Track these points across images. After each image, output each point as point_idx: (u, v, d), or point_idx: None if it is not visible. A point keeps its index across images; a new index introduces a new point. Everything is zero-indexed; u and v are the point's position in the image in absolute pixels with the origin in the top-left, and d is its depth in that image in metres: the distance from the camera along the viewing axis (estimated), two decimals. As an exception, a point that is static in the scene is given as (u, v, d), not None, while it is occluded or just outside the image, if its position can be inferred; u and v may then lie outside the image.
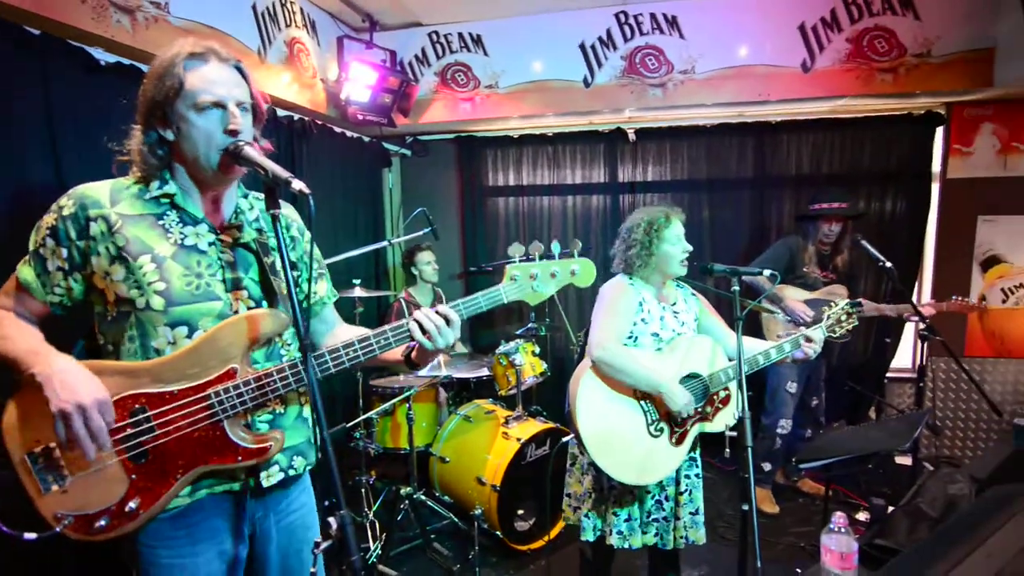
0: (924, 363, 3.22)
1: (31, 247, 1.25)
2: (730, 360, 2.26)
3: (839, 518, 1.45)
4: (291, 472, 1.38)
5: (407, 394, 3.07)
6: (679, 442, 2.19)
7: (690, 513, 2.32)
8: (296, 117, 3.60)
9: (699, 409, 2.20)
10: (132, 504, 1.22)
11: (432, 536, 3.09)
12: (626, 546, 2.21)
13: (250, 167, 1.24)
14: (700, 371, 2.20)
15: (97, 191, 1.25)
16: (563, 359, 4.40)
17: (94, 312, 1.29)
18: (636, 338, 2.21)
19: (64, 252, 1.23)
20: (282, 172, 1.21)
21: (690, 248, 2.25)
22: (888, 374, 4.11)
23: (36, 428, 1.20)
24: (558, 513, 3.16)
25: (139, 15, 2.43)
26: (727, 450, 2.13)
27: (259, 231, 1.39)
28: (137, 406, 1.22)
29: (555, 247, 1.48)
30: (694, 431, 2.21)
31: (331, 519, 1.17)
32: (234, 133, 1.25)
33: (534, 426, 3.16)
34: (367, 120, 3.94)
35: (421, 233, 3.27)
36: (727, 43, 3.71)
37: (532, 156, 4.59)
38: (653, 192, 4.39)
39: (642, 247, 2.20)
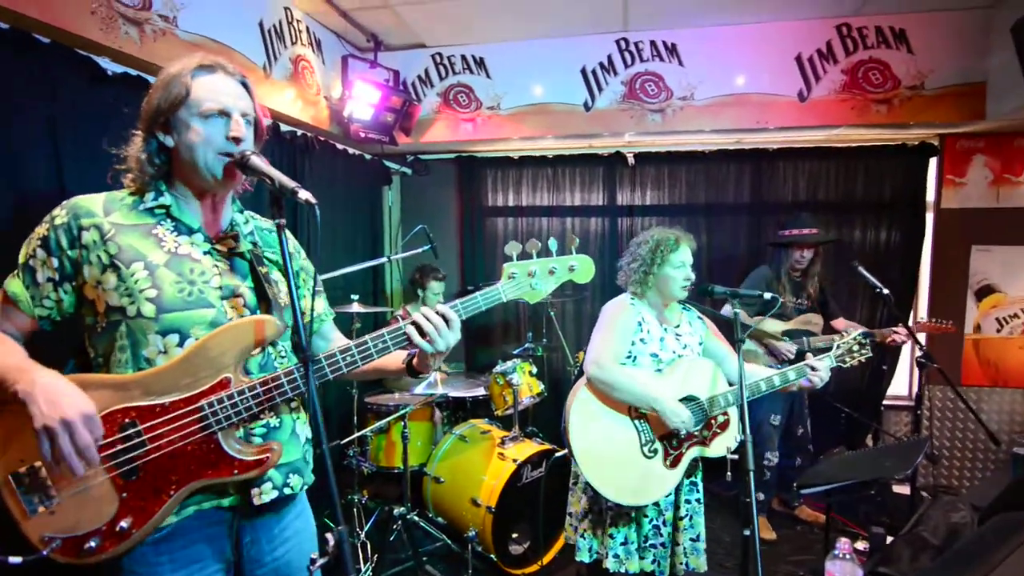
0: (921, 391, 3.23)
1: (21, 260, 1.23)
2: (731, 385, 2.25)
3: (843, 544, 1.43)
4: (286, 491, 1.33)
5: (402, 412, 3.04)
6: (674, 464, 2.17)
7: (691, 539, 2.28)
8: (299, 133, 3.62)
9: (696, 432, 2.19)
10: (124, 523, 1.17)
11: (424, 558, 3.02)
12: (622, 571, 2.17)
13: (257, 176, 1.24)
14: (699, 394, 2.19)
15: (90, 202, 1.24)
16: (560, 380, 4.37)
17: (84, 325, 1.26)
18: (635, 358, 2.20)
19: (55, 262, 1.21)
20: (289, 182, 1.21)
21: (692, 277, 2.25)
22: (884, 402, 4.10)
23: (21, 447, 1.15)
24: (553, 537, 3.13)
25: (147, 27, 2.45)
26: (728, 473, 2.10)
27: (254, 244, 1.38)
28: (127, 420, 1.17)
29: (552, 244, 1.47)
30: (690, 454, 2.19)
31: (329, 535, 1.14)
32: (237, 140, 1.25)
33: (530, 447, 3.12)
34: (369, 138, 3.96)
35: (420, 251, 3.27)
36: (725, 71, 3.77)
37: (532, 177, 4.63)
38: (651, 216, 4.42)
39: (643, 264, 2.21)
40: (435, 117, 4.24)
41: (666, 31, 3.82)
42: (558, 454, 3.06)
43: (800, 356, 3.22)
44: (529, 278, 1.45)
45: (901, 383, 4.21)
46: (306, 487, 1.42)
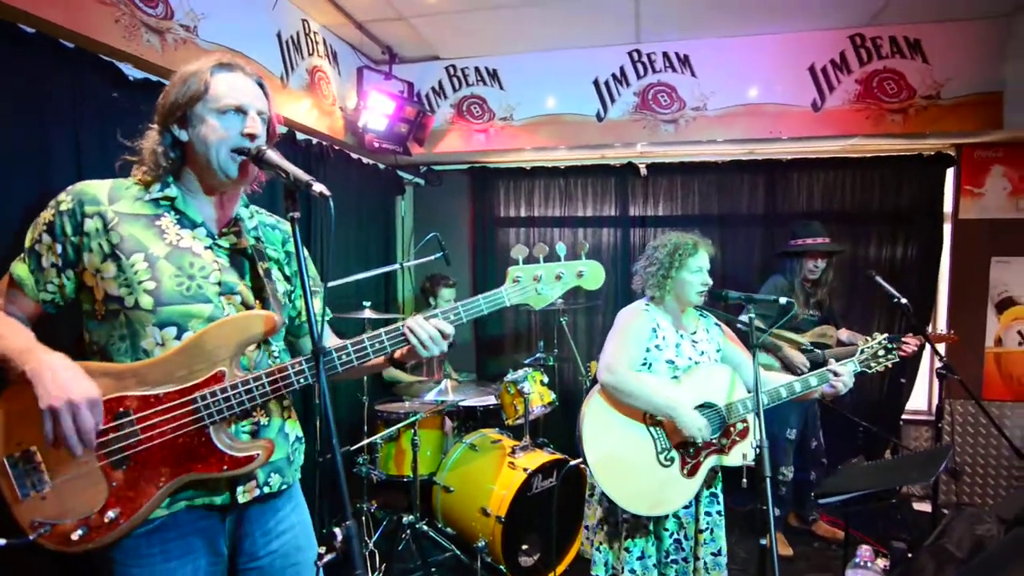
0: (941, 403, 3.15)
1: (27, 244, 1.24)
2: (750, 392, 2.21)
3: (864, 552, 1.39)
4: (266, 490, 1.33)
5: (412, 419, 3.02)
6: (691, 473, 2.13)
7: (712, 554, 2.23)
8: (315, 141, 3.67)
9: (714, 440, 2.14)
10: (112, 513, 1.17)
11: (433, 569, 2.99)
12: (639, 587, 2.12)
13: (273, 171, 1.25)
14: (717, 401, 2.15)
15: (96, 188, 1.25)
16: (572, 391, 4.33)
17: (83, 312, 1.27)
18: (650, 365, 2.18)
19: (59, 248, 1.22)
20: (303, 175, 1.22)
21: (709, 282, 2.23)
22: (903, 416, 4.01)
23: (18, 430, 1.17)
24: (564, 549, 3.08)
25: (169, 36, 2.50)
26: (744, 480, 2.06)
27: (256, 239, 1.39)
28: (121, 409, 1.18)
29: (560, 249, 1.43)
30: (708, 463, 2.15)
31: (337, 530, 1.12)
32: (252, 137, 1.27)
33: (541, 456, 3.08)
34: (383, 148, 4.00)
35: (432, 258, 3.27)
36: (738, 82, 3.77)
37: (544, 188, 4.64)
38: (664, 227, 4.39)
39: (661, 267, 2.19)
40: (448, 128, 4.28)
41: (679, 42, 3.84)
42: (572, 463, 3.02)
43: (817, 367, 3.16)
44: (534, 283, 1.43)
45: (920, 397, 4.12)
46: (286, 486, 1.40)
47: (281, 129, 1.42)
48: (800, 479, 3.37)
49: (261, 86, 1.34)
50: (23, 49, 1.89)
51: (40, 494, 1.16)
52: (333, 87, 3.79)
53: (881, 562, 3.10)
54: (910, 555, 1.91)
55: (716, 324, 2.36)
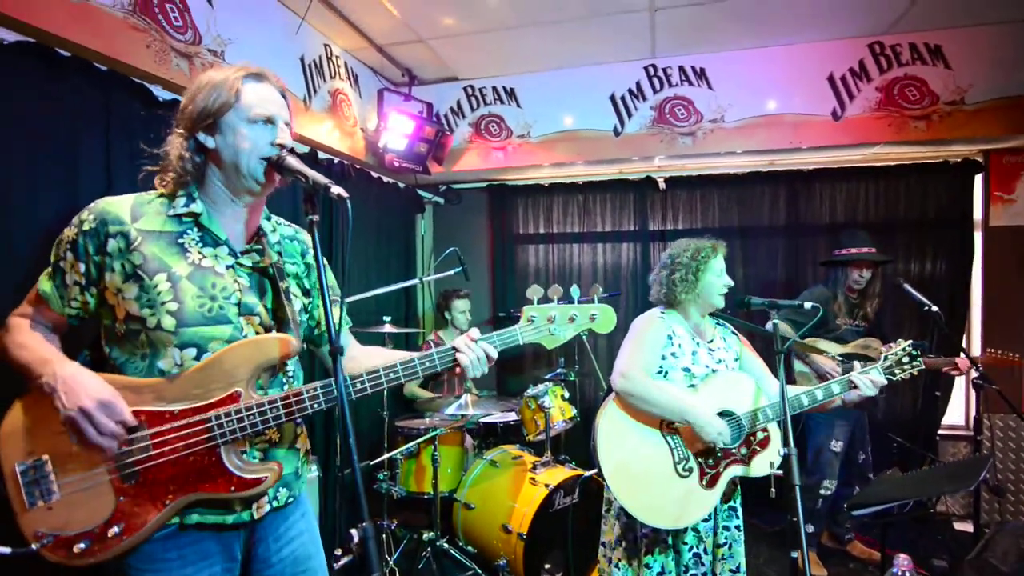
0: (979, 416, 3.02)
1: (52, 259, 1.27)
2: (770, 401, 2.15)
3: (903, 560, 1.32)
4: (275, 504, 1.35)
5: (432, 434, 3.01)
6: (711, 484, 2.06)
7: (730, 570, 2.16)
8: (336, 161, 3.74)
9: (734, 450, 2.08)
10: (115, 528, 1.17)
11: (454, 588, 2.93)
12: (661, 604, 2.05)
13: (292, 176, 1.27)
14: (737, 410, 2.10)
15: (118, 207, 1.25)
16: (593, 407, 4.26)
17: (103, 327, 1.28)
18: (666, 373, 2.13)
19: (82, 267, 1.23)
20: (322, 179, 1.24)
21: (730, 283, 2.20)
22: (940, 431, 3.86)
23: (31, 439, 1.19)
24: (588, 567, 3.00)
25: (196, 60, 2.60)
26: (772, 490, 1.99)
27: (279, 254, 1.41)
28: (136, 423, 1.18)
29: (574, 292, 1.47)
30: (728, 473, 2.08)
31: (353, 531, 1.11)
32: (282, 147, 1.30)
33: (563, 472, 3.03)
34: (403, 167, 4.07)
35: (452, 272, 3.29)
36: (756, 93, 3.77)
37: (562, 204, 4.65)
38: (684, 240, 4.36)
39: (687, 271, 2.15)
40: (467, 146, 4.33)
41: (694, 56, 3.86)
42: (587, 474, 2.96)
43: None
44: (548, 323, 1.45)
45: (957, 411, 3.97)
46: (292, 500, 1.41)
47: (302, 148, 1.45)
48: (840, 494, 3.23)
49: (284, 96, 1.38)
50: (57, 71, 1.99)
51: (47, 504, 1.17)
52: (354, 109, 3.88)
53: (922, 582, 2.97)
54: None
55: (733, 333, 2.31)
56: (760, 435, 2.13)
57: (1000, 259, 3.74)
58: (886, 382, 2.07)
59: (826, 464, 3.18)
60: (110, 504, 1.18)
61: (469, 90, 4.29)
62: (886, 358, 2.10)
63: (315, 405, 1.27)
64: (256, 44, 2.96)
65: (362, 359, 1.51)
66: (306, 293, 1.48)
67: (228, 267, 1.30)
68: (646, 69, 3.95)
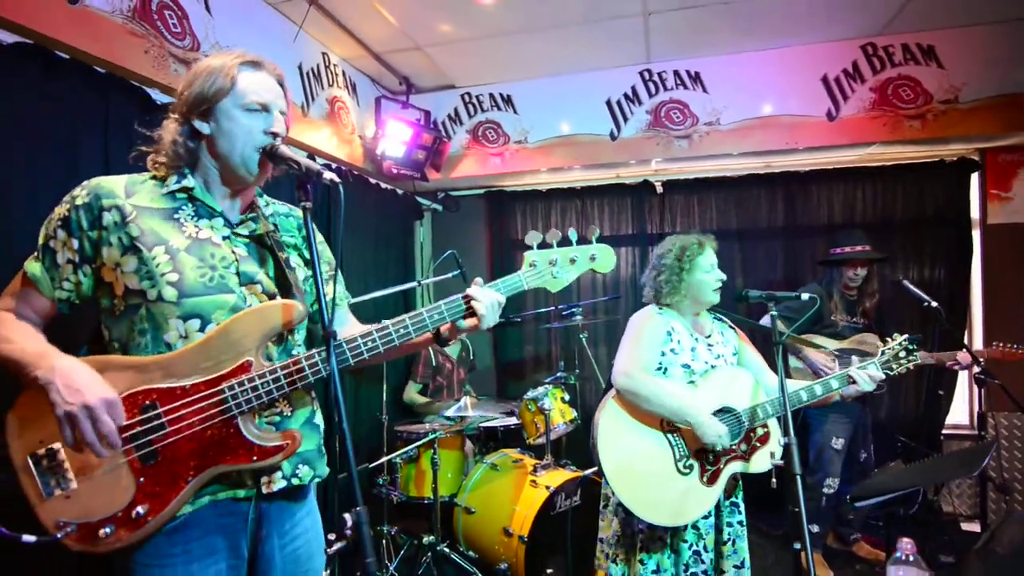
0: (984, 411, 2.99)
1: (40, 241, 1.22)
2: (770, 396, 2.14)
3: (906, 544, 1.30)
4: (295, 481, 1.31)
5: (431, 437, 2.99)
6: (711, 481, 2.05)
7: (735, 567, 2.13)
8: (334, 166, 3.76)
9: (734, 447, 2.07)
10: (140, 510, 1.14)
11: (455, 593, 2.89)
12: (657, 602, 2.02)
13: (285, 164, 1.28)
14: (737, 406, 2.08)
15: (112, 182, 1.24)
16: (594, 410, 4.23)
17: (100, 309, 1.25)
18: (665, 369, 2.12)
19: (75, 243, 1.20)
20: (314, 165, 1.25)
21: (723, 277, 2.19)
22: (944, 431, 3.83)
23: (41, 428, 1.15)
24: (591, 570, 2.95)
25: (198, 65, 2.62)
26: (773, 480, 1.97)
27: (275, 226, 1.40)
28: (147, 402, 1.16)
29: (572, 234, 1.46)
30: (728, 470, 2.07)
31: (347, 515, 1.10)
32: (275, 135, 1.30)
33: (564, 474, 3.01)
34: (401, 174, 4.09)
35: (450, 276, 3.29)
36: (750, 96, 3.79)
37: (560, 210, 4.67)
38: (682, 244, 4.37)
39: (672, 273, 2.16)
40: (465, 153, 4.36)
41: (688, 60, 3.89)
42: (587, 472, 2.93)
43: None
44: (550, 267, 1.45)
45: (961, 411, 3.94)
46: (317, 480, 1.38)
47: (300, 153, 1.45)
48: (843, 493, 3.20)
49: (281, 84, 1.37)
50: (56, 72, 2.01)
51: (65, 493, 1.14)
52: (352, 116, 3.91)
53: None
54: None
55: (731, 327, 2.30)
56: (760, 431, 2.12)
57: (999, 256, 3.74)
58: (884, 376, 2.06)
59: (828, 462, 3.16)
60: (131, 486, 1.15)
61: (466, 97, 4.32)
62: (883, 353, 2.09)
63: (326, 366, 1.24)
64: (253, 50, 2.91)
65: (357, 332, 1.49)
66: (307, 264, 1.45)
67: (224, 238, 1.29)
68: (641, 74, 3.98)
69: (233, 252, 1.29)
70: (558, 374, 3.66)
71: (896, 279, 2.96)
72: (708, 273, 2.16)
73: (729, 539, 2.14)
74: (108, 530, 1.14)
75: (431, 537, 2.93)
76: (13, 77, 1.86)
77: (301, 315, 1.29)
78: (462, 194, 4.84)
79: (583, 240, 1.46)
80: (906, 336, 2.09)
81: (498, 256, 4.74)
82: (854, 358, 3.17)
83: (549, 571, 2.88)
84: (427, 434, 3.07)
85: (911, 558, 1.28)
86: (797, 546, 1.62)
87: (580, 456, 3.69)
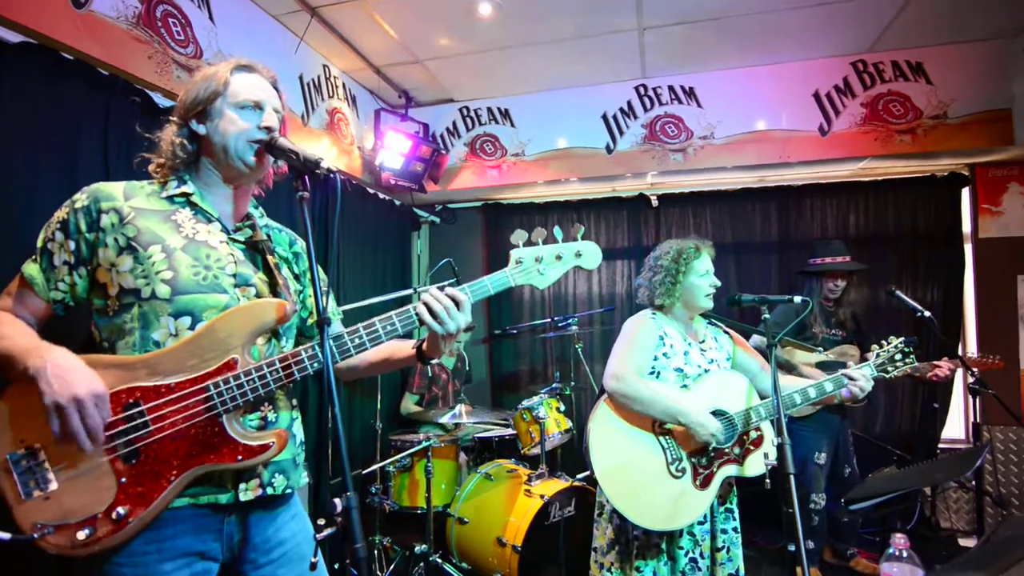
0: (978, 427, 2.99)
1: (39, 243, 1.24)
2: (764, 399, 2.14)
3: (899, 540, 1.29)
4: (269, 491, 1.28)
5: (425, 445, 2.97)
6: (704, 485, 2.03)
7: (729, 574, 2.10)
8: (332, 175, 3.79)
9: (727, 449, 2.06)
10: (121, 510, 1.11)
11: (447, 605, 2.84)
12: (653, 610, 2.00)
13: (283, 155, 1.29)
14: (730, 409, 2.08)
15: (111, 187, 1.26)
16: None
17: (93, 308, 1.25)
18: (658, 373, 2.12)
19: (72, 245, 1.21)
20: (312, 155, 1.26)
21: (718, 283, 2.21)
22: (940, 445, 3.82)
23: (22, 427, 1.13)
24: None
25: (197, 74, 2.66)
26: (767, 480, 1.95)
27: (267, 236, 1.42)
28: (131, 400, 1.15)
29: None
30: (721, 473, 2.05)
31: (337, 500, 1.09)
32: (268, 130, 1.32)
33: (558, 484, 2.98)
34: (399, 185, 4.13)
35: (447, 284, 3.30)
36: (744, 111, 3.86)
37: (557, 223, 4.68)
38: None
39: (667, 274, 2.17)
40: (462, 165, 4.41)
41: (683, 76, 3.96)
42: (579, 476, 2.91)
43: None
44: (536, 263, 1.45)
45: (956, 426, 3.93)
46: (291, 491, 1.36)
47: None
48: (834, 509, 3.18)
49: (275, 87, 1.41)
50: (60, 72, 2.04)
51: (44, 494, 1.11)
52: (352, 128, 3.96)
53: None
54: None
55: (724, 332, 2.31)
56: (753, 434, 2.11)
57: (991, 270, 3.77)
58: (872, 379, 2.06)
59: (812, 478, 3.12)
60: (112, 487, 1.12)
61: (464, 111, 4.39)
62: (878, 355, 2.09)
63: (315, 364, 1.24)
64: (255, 60, 3.04)
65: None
66: (297, 279, 1.48)
67: (221, 242, 1.31)
68: (637, 89, 4.05)
69: (231, 254, 1.30)
70: (553, 385, 3.65)
71: (889, 289, 2.97)
72: (702, 277, 2.17)
73: (724, 546, 2.12)
74: (87, 532, 1.11)
75: (423, 546, 2.89)
76: (17, 77, 1.89)
77: (289, 312, 1.29)
78: (459, 206, 4.88)
79: (569, 239, 1.47)
80: (902, 339, 2.08)
81: (495, 269, 4.65)
82: (840, 370, 3.17)
83: (543, 583, 2.84)
84: (421, 443, 3.05)
85: (904, 554, 1.27)
86: (792, 548, 1.60)
87: (575, 468, 3.65)
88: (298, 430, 1.40)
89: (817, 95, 3.73)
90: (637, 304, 2.32)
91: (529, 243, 1.46)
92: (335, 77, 3.80)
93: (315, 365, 1.25)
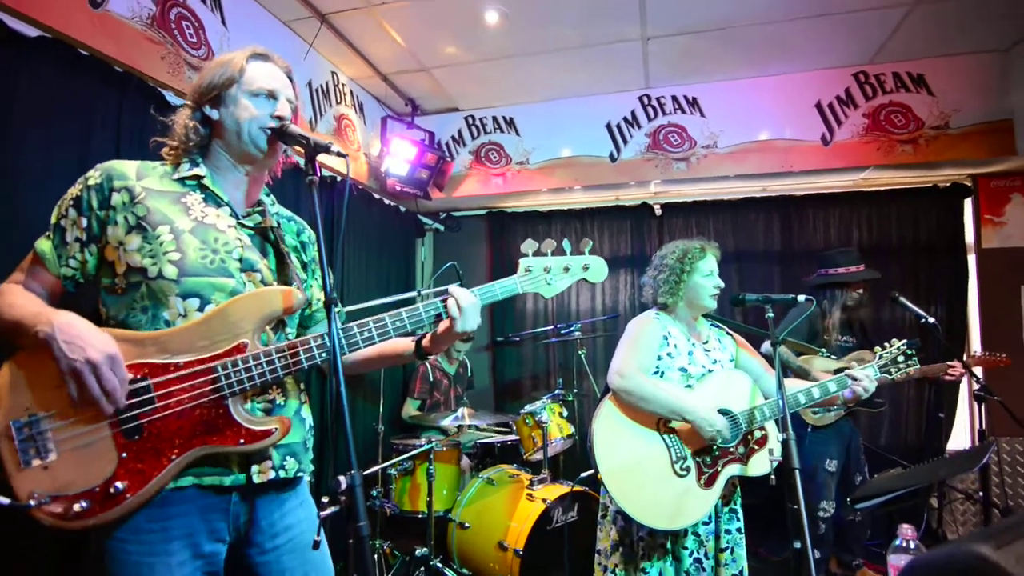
0: (985, 437, 2.96)
1: (52, 220, 1.26)
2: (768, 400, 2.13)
3: (906, 531, 1.28)
4: (281, 473, 1.29)
5: (426, 448, 2.96)
6: (709, 484, 2.02)
7: (733, 575, 2.08)
8: (338, 179, 3.83)
9: (732, 448, 2.05)
10: (119, 485, 1.11)
11: (447, 610, 2.81)
12: (659, 612, 1.97)
13: (295, 141, 1.32)
14: (733, 408, 2.08)
15: (124, 165, 1.28)
16: (591, 429, 4.20)
17: (101, 286, 1.26)
18: (662, 373, 2.13)
19: (84, 222, 1.23)
20: (322, 140, 1.29)
21: (722, 284, 2.22)
22: (946, 455, 3.78)
23: (27, 395, 1.13)
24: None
25: (212, 60, 2.71)
26: (772, 477, 1.94)
27: (277, 224, 1.44)
28: (139, 375, 1.15)
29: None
30: (726, 473, 2.04)
31: (341, 478, 1.09)
32: (281, 119, 1.34)
33: (561, 488, 2.96)
34: (405, 192, 4.16)
35: (453, 286, 3.31)
36: (747, 120, 3.90)
37: (560, 231, 4.72)
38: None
39: (672, 273, 2.18)
40: (467, 173, 4.44)
41: (686, 86, 4.01)
42: (583, 475, 2.88)
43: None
44: (545, 273, 1.50)
45: (962, 436, 3.89)
46: (302, 474, 1.37)
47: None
48: (842, 518, 3.14)
49: (290, 78, 1.44)
50: (75, 67, 2.08)
51: (43, 463, 1.11)
52: (358, 134, 4.01)
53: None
54: None
55: (728, 334, 2.31)
56: (758, 433, 2.10)
57: (995, 281, 3.77)
58: (875, 380, 2.06)
59: (822, 485, 3.09)
60: (112, 461, 1.12)
61: (470, 119, 4.43)
62: (881, 356, 2.10)
63: (323, 354, 1.26)
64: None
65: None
66: (304, 268, 1.50)
67: (230, 226, 1.32)
68: (640, 99, 4.09)
69: (239, 239, 1.32)
70: (556, 391, 3.64)
71: (893, 295, 2.97)
72: (706, 278, 2.18)
73: (728, 547, 2.10)
74: (83, 504, 1.10)
75: (424, 550, 2.86)
76: (33, 71, 1.93)
77: (300, 302, 1.31)
78: (464, 214, 4.91)
79: (577, 252, 1.52)
80: (905, 341, 2.09)
81: (498, 277, 4.65)
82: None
83: (545, 589, 2.81)
84: (423, 446, 3.04)
85: (912, 545, 1.26)
86: (797, 545, 1.59)
87: (577, 474, 3.62)
88: (307, 414, 1.41)
89: (819, 105, 3.77)
90: (642, 303, 2.33)
91: (539, 253, 1.50)
92: (343, 84, 3.85)
93: (323, 355, 1.27)
